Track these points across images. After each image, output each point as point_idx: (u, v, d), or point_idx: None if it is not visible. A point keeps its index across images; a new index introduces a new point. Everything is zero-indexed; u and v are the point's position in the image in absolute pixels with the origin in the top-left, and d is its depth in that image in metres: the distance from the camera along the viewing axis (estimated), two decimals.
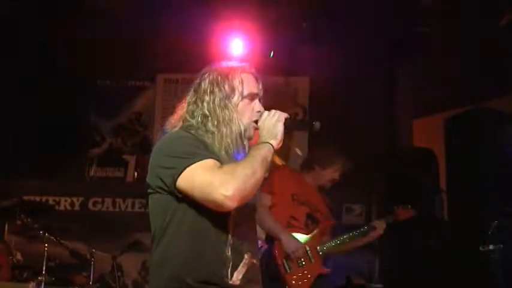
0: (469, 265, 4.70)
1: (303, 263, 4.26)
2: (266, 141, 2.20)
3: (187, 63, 6.89)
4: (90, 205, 6.94)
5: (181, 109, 2.38)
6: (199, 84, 2.35)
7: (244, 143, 2.29)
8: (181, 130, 2.30)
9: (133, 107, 7.38)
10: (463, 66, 5.90)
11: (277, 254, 4.24)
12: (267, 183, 4.19)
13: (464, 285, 4.86)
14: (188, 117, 2.32)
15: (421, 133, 6.72)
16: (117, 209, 6.94)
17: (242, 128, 2.28)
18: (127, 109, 7.38)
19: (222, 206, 2.06)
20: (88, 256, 5.03)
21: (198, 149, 2.17)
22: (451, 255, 5.11)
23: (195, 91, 2.35)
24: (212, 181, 2.06)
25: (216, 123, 2.26)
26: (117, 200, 6.94)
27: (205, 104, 2.30)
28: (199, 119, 2.29)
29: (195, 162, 2.11)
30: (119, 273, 5.33)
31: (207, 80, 2.34)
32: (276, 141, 2.21)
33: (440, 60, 5.97)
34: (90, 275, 4.99)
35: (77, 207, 6.92)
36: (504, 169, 5.00)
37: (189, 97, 2.37)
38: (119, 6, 5.75)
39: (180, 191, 2.14)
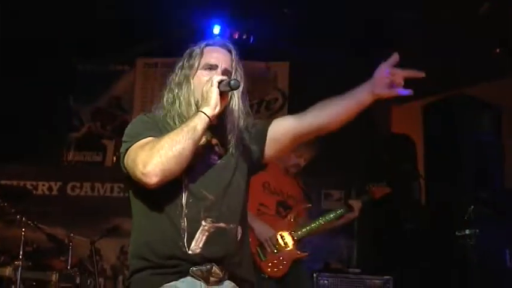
0: (446, 249, 4.76)
1: (278, 249, 4.27)
2: (200, 109, 2.18)
3: (167, 47, 6.86)
4: (68, 190, 6.90)
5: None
6: (174, 65, 2.40)
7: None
8: (140, 114, 2.36)
9: (112, 91, 7.32)
10: (442, 53, 5.93)
11: (251, 243, 4.24)
12: None
13: (440, 269, 4.92)
14: (160, 98, 2.38)
15: (399, 119, 6.77)
16: (96, 194, 6.90)
17: (194, 99, 2.28)
18: (106, 93, 7.32)
19: (144, 183, 2.10)
20: (66, 241, 5.01)
21: (142, 129, 2.22)
22: (428, 239, 5.17)
23: (169, 74, 2.40)
24: (135, 159, 2.11)
25: (173, 99, 2.31)
26: (96, 184, 6.91)
27: (168, 85, 2.36)
28: (164, 99, 2.35)
29: (133, 144, 2.17)
30: (97, 258, 5.31)
31: (177, 62, 2.39)
32: (209, 108, 2.16)
33: (419, 47, 5.99)
34: (68, 260, 4.98)
35: (55, 192, 6.87)
36: (480, 155, 5.06)
37: (167, 78, 2.41)
38: None
39: (127, 173, 2.21)
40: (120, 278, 6.12)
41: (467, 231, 3.69)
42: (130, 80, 7.30)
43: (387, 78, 2.36)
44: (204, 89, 2.21)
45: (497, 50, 5.69)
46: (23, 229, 4.72)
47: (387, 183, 4.63)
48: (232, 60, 2.35)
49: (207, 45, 2.37)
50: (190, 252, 2.16)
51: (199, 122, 2.14)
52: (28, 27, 6.18)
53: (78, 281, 4.97)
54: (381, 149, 6.15)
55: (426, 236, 5.21)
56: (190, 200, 2.20)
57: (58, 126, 7.12)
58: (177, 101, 2.29)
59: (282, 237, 4.32)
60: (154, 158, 2.07)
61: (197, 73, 2.31)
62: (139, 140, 2.17)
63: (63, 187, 6.89)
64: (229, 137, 2.30)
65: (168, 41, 6.62)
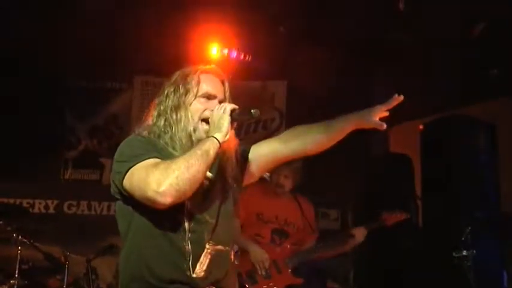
0: (443, 270, 4.75)
1: (269, 274, 4.29)
2: (211, 134, 2.22)
3: (165, 66, 6.87)
4: (65, 208, 6.88)
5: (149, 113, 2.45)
6: (163, 88, 2.43)
7: (199, 139, 2.29)
8: (134, 134, 2.37)
9: (110, 109, 7.33)
10: (440, 73, 5.96)
11: (241, 268, 4.29)
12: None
13: None
14: (149, 119, 2.40)
15: (397, 139, 6.78)
16: (93, 212, 6.89)
17: (192, 126, 2.31)
18: (103, 111, 7.32)
19: (156, 203, 2.09)
20: (62, 259, 4.98)
21: (143, 150, 2.22)
22: (425, 260, 5.16)
23: (159, 95, 2.43)
24: (146, 179, 2.10)
25: (167, 123, 2.32)
26: (93, 203, 6.89)
27: (161, 107, 2.37)
28: (155, 120, 2.36)
29: (136, 164, 2.16)
30: (94, 277, 5.27)
31: (168, 84, 2.42)
32: (220, 134, 2.22)
33: (416, 68, 6.03)
34: (64, 279, 4.94)
35: (51, 210, 6.85)
36: (477, 175, 5.07)
37: (156, 99, 2.43)
38: (97, 6, 5.72)
39: (126, 193, 2.19)
40: None
41: (464, 252, 3.68)
42: (127, 98, 7.31)
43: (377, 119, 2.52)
44: (216, 115, 2.25)
45: (495, 71, 5.73)
46: (19, 247, 4.71)
47: (403, 209, 4.61)
48: (225, 91, 2.41)
49: (202, 71, 2.40)
50: (194, 275, 2.17)
51: (212, 147, 2.18)
52: (26, 43, 6.21)
53: None
54: (379, 169, 6.15)
55: (423, 257, 5.20)
56: (193, 224, 2.22)
57: (55, 143, 7.11)
58: (174, 126, 2.30)
59: (275, 263, 4.32)
60: (170, 178, 2.07)
61: (195, 100, 2.33)
62: (143, 160, 2.16)
63: (60, 205, 6.87)
64: (221, 163, 2.34)
65: (165, 59, 6.65)
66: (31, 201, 6.77)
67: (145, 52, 6.58)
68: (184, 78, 2.39)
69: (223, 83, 2.42)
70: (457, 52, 5.70)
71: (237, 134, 2.41)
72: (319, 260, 4.69)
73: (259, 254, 4.27)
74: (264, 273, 4.25)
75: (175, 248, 2.18)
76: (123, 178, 2.19)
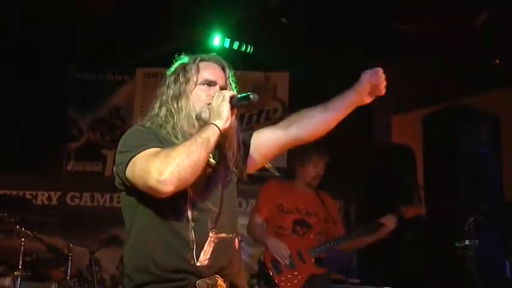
0: (446, 260, 4.76)
1: (293, 264, 4.34)
2: (211, 122, 2.22)
3: (167, 58, 6.87)
4: (68, 200, 6.89)
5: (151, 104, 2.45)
6: (165, 78, 2.43)
7: (202, 125, 2.27)
8: (136, 125, 2.37)
9: (112, 101, 7.33)
10: (441, 63, 5.95)
11: (266, 258, 4.37)
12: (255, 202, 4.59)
13: (440, 280, 4.91)
14: (151, 110, 2.40)
15: (399, 130, 6.78)
16: (95, 204, 6.90)
17: (194, 113, 2.30)
18: (106, 103, 7.33)
19: (158, 191, 2.08)
20: (65, 251, 4.99)
21: (144, 140, 2.22)
22: (428, 250, 5.17)
23: (160, 86, 2.43)
24: (147, 168, 2.09)
25: (168, 113, 2.32)
26: (95, 194, 6.91)
27: (162, 97, 2.37)
28: (156, 111, 2.36)
29: (137, 154, 2.16)
30: (97, 268, 5.28)
31: (168, 74, 2.43)
32: (221, 121, 2.21)
33: (418, 58, 6.01)
34: (67, 270, 4.96)
35: (54, 202, 6.87)
36: (479, 165, 5.07)
37: (158, 90, 2.44)
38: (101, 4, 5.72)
39: (129, 183, 2.19)
40: None
41: (466, 242, 3.68)
42: (130, 90, 7.31)
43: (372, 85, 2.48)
44: (215, 103, 2.24)
45: (497, 61, 5.72)
46: (22, 239, 4.71)
47: (420, 204, 4.62)
48: (226, 78, 2.40)
49: (201, 60, 2.40)
50: (198, 264, 2.17)
51: (212, 134, 2.17)
52: (28, 36, 6.21)
53: None
54: (381, 159, 6.15)
55: (426, 247, 5.21)
56: (196, 213, 2.21)
57: (57, 136, 7.12)
58: (175, 115, 2.31)
59: (299, 253, 4.37)
60: (170, 166, 2.07)
61: (195, 88, 2.33)
62: (144, 150, 2.16)
63: (62, 197, 6.88)
64: (222, 150, 2.34)
65: (167, 51, 6.63)
66: (34, 193, 6.79)
67: (147, 44, 6.58)
68: (184, 68, 2.39)
69: (223, 69, 2.42)
70: (459, 42, 5.68)
71: (239, 125, 2.41)
72: (343, 252, 4.71)
73: (276, 247, 4.33)
74: (287, 263, 4.30)
75: (179, 237, 2.18)
76: (126, 168, 2.18)
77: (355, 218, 6.67)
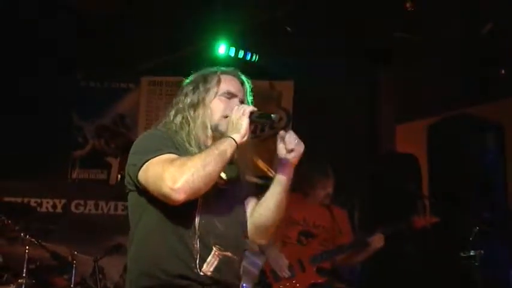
0: (450, 271, 4.73)
1: (293, 273, 4.38)
2: (229, 135, 2.22)
3: (172, 66, 6.90)
4: (72, 207, 6.90)
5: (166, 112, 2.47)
6: (182, 87, 2.45)
7: (218, 136, 2.29)
8: (152, 129, 2.40)
9: (117, 109, 7.34)
10: (446, 72, 5.95)
11: (266, 266, 4.41)
12: None
13: None
14: (166, 117, 2.41)
15: (404, 138, 6.77)
16: (100, 212, 6.90)
17: (211, 123, 2.33)
18: (111, 111, 7.33)
19: (170, 198, 2.10)
20: (69, 259, 4.99)
21: (160, 144, 2.23)
22: (432, 260, 5.15)
23: (178, 94, 2.45)
24: (162, 174, 2.11)
25: (184, 120, 2.34)
26: (100, 202, 6.90)
27: (179, 105, 2.39)
28: (171, 118, 2.38)
29: (152, 157, 2.17)
30: (101, 276, 5.28)
31: (187, 83, 2.45)
32: (238, 135, 2.21)
33: (423, 67, 6.02)
34: (71, 278, 4.96)
35: (59, 210, 6.87)
36: (484, 175, 5.05)
37: (174, 99, 2.45)
38: (103, 6, 5.74)
39: (141, 186, 2.21)
40: None
41: (471, 252, 3.67)
42: (135, 98, 7.32)
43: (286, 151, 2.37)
44: (234, 116, 2.25)
45: (502, 71, 5.71)
46: (27, 246, 4.72)
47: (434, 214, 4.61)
48: (245, 92, 2.43)
49: (222, 72, 2.42)
50: (201, 273, 2.18)
51: (229, 147, 2.18)
52: (33, 43, 6.24)
53: None
54: (385, 168, 6.14)
55: (430, 257, 5.19)
56: (203, 222, 2.22)
57: (63, 143, 7.13)
58: (191, 123, 2.33)
59: (300, 262, 4.38)
60: (185, 175, 2.08)
61: (215, 98, 2.35)
62: (159, 155, 2.18)
63: (67, 205, 6.89)
64: (235, 165, 2.35)
65: (172, 59, 6.66)
66: (38, 200, 6.79)
67: (153, 52, 6.60)
68: (204, 78, 2.41)
69: (242, 84, 2.44)
70: (465, 51, 5.68)
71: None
72: (344, 264, 4.71)
73: (274, 258, 4.37)
74: (285, 275, 4.31)
75: (183, 244, 2.19)
76: (139, 171, 2.20)
77: (359, 227, 6.65)
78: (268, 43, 6.29)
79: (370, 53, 6.21)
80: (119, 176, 7.03)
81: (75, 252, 5.03)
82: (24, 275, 4.57)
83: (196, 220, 2.21)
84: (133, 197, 2.32)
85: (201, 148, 2.27)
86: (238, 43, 6.39)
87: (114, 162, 7.14)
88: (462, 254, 3.73)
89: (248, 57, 6.38)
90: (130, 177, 2.27)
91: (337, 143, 6.24)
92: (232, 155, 2.20)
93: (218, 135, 2.31)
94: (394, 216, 4.63)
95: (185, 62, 6.96)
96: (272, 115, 2.27)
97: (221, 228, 2.26)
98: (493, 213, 4.90)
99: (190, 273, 2.17)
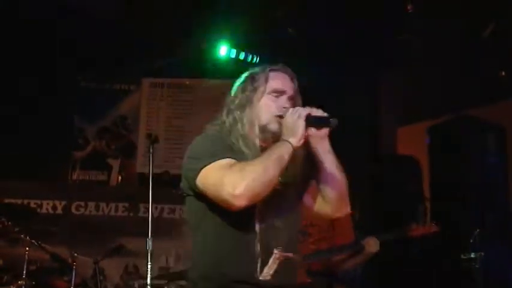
0: (452, 273, 4.73)
1: None
2: (285, 139, 2.19)
3: (173, 68, 6.90)
4: (73, 209, 6.89)
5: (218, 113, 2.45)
6: (233, 88, 2.42)
7: (267, 136, 2.28)
8: (206, 132, 2.37)
9: (118, 111, 7.34)
10: (448, 75, 5.94)
11: None
12: None
13: None
14: (219, 119, 2.39)
15: (405, 141, 6.76)
16: (100, 213, 6.89)
17: (260, 123, 2.29)
18: (112, 112, 7.33)
19: (230, 205, 2.09)
20: (70, 260, 4.97)
21: (216, 149, 2.22)
22: (434, 262, 5.14)
23: (228, 95, 2.42)
24: (222, 180, 2.10)
25: (235, 121, 2.31)
26: (101, 204, 6.90)
27: (230, 105, 2.36)
28: (224, 118, 2.35)
29: (210, 163, 2.16)
30: (101, 278, 5.27)
31: (237, 83, 2.42)
32: (295, 139, 2.18)
33: (424, 69, 6.01)
34: (71, 279, 4.93)
35: (59, 211, 6.86)
36: (485, 177, 5.04)
37: (226, 98, 2.43)
38: (105, 7, 5.74)
39: (199, 192, 2.20)
40: None
41: (472, 255, 3.66)
42: (136, 99, 7.32)
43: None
44: (290, 119, 2.21)
45: (503, 73, 5.71)
46: (27, 248, 4.70)
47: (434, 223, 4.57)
48: (295, 88, 2.40)
49: (271, 69, 2.39)
50: (261, 278, 2.18)
51: (286, 152, 2.16)
52: (33, 44, 6.24)
53: None
54: (387, 170, 6.13)
55: (431, 259, 5.18)
56: (263, 226, 2.21)
57: (64, 144, 7.13)
58: (240, 123, 2.29)
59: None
60: (245, 181, 2.07)
61: (264, 97, 2.33)
62: (216, 160, 2.16)
63: (67, 206, 6.88)
64: (292, 167, 2.28)
65: (174, 61, 6.66)
66: (39, 201, 6.78)
67: (154, 54, 6.60)
68: (253, 77, 2.37)
69: (292, 80, 2.41)
70: (466, 53, 5.67)
71: None
72: (340, 266, 4.67)
73: None
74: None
75: (245, 249, 2.19)
76: (197, 176, 2.18)
77: (357, 228, 6.64)
78: (269, 45, 6.28)
79: (371, 54, 6.20)
80: (120, 177, 7.03)
81: (76, 254, 5.01)
82: (24, 276, 4.56)
83: (257, 224, 2.20)
84: (191, 201, 2.30)
85: (252, 148, 2.25)
86: (240, 44, 6.39)
87: (115, 164, 7.14)
88: (463, 256, 3.72)
89: (249, 59, 6.38)
90: (188, 182, 2.25)
91: (337, 144, 6.23)
92: (289, 159, 2.17)
93: (268, 135, 2.28)
94: (394, 218, 4.61)
95: (186, 64, 6.99)
96: (331, 120, 2.23)
97: (283, 230, 2.25)
98: (494, 215, 4.88)
99: (250, 277, 2.17)
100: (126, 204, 6.76)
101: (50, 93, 6.75)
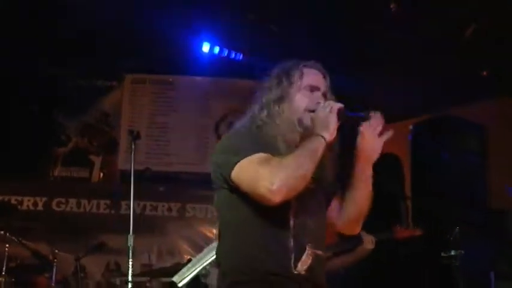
0: (432, 270, 4.76)
1: None
2: (318, 133, 2.19)
3: (155, 64, 6.87)
4: (53, 205, 6.84)
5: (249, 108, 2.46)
6: (265, 82, 2.43)
7: (301, 131, 2.28)
8: (238, 127, 2.38)
9: (100, 107, 7.31)
10: (430, 74, 5.98)
11: None
12: None
13: None
14: (251, 113, 2.39)
15: (387, 140, 6.79)
16: (82, 210, 6.85)
17: (295, 117, 2.30)
18: (94, 109, 7.30)
19: (267, 200, 2.09)
20: (50, 257, 4.95)
21: (249, 143, 2.22)
22: (414, 260, 5.17)
23: (262, 89, 2.42)
24: (257, 175, 2.10)
25: (269, 115, 2.32)
26: (82, 200, 6.86)
27: (263, 100, 2.37)
28: (256, 113, 2.36)
29: (245, 157, 2.16)
30: (82, 275, 5.25)
31: (270, 78, 2.43)
32: (327, 133, 2.19)
33: (406, 68, 6.04)
34: (52, 276, 4.92)
35: (40, 207, 6.82)
36: (466, 175, 5.09)
37: (257, 93, 2.44)
38: (88, 3, 5.70)
39: (234, 185, 2.20)
40: None
41: (452, 252, 3.69)
42: (118, 95, 7.29)
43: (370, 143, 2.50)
44: (322, 113, 2.22)
45: (484, 73, 5.76)
46: (7, 245, 4.68)
47: (418, 226, 4.59)
48: (327, 85, 2.41)
49: (304, 65, 2.41)
50: (296, 272, 2.19)
51: (319, 146, 2.16)
52: (15, 41, 6.18)
53: None
54: None
55: (412, 257, 5.21)
56: (297, 221, 2.22)
57: (45, 141, 7.08)
58: (276, 118, 2.30)
59: None
60: (281, 176, 2.07)
61: (299, 92, 2.33)
62: (250, 155, 2.16)
63: (48, 202, 6.83)
64: (320, 166, 2.26)
65: (156, 58, 6.64)
66: (19, 198, 6.73)
67: (136, 50, 6.56)
68: (287, 72, 2.38)
69: (324, 77, 2.42)
70: (448, 53, 5.71)
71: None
72: (338, 264, 4.65)
73: None
74: None
75: (279, 243, 2.19)
76: (232, 171, 2.18)
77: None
78: (252, 42, 6.29)
79: (357, 54, 6.22)
80: (101, 174, 7.00)
81: (56, 251, 4.99)
82: (3, 273, 4.53)
83: (291, 220, 2.21)
84: (224, 194, 2.29)
85: (287, 143, 2.25)
86: (223, 42, 6.38)
87: (97, 161, 7.10)
88: (443, 254, 3.75)
89: (232, 56, 6.37)
90: (223, 176, 2.24)
91: None
92: (323, 154, 2.18)
93: (302, 129, 2.28)
94: (376, 217, 4.61)
95: (168, 61, 6.96)
96: (362, 113, 2.24)
97: (313, 228, 2.26)
98: (475, 213, 4.93)
99: (286, 271, 2.18)
100: (108, 201, 6.72)
101: (31, 89, 6.69)
